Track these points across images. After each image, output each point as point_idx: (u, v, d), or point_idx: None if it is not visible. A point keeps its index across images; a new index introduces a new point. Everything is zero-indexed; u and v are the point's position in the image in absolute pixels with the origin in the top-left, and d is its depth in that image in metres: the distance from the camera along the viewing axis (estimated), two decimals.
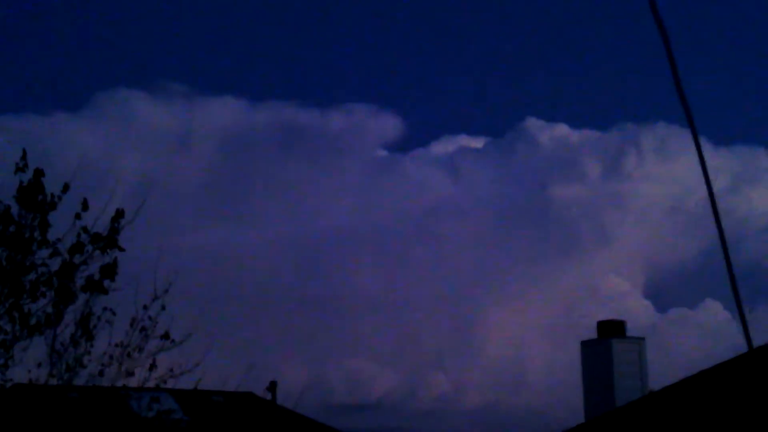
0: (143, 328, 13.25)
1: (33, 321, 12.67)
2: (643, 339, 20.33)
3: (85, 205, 12.79)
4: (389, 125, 66.77)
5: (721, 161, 54.10)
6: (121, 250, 13.00)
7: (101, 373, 13.12)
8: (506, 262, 56.53)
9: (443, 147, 61.84)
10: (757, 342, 14.32)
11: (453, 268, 56.70)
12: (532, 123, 58.11)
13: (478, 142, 61.72)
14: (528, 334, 54.22)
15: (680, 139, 54.00)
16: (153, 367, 13.44)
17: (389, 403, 49.69)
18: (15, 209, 12.57)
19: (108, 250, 12.91)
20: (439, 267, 57.21)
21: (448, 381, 53.47)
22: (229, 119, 58.75)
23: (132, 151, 50.55)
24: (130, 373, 13.33)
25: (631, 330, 20.32)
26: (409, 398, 51.16)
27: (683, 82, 3.70)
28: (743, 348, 14.47)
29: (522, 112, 68.24)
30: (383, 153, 62.64)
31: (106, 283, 12.92)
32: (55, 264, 12.71)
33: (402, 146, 69.72)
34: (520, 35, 62.99)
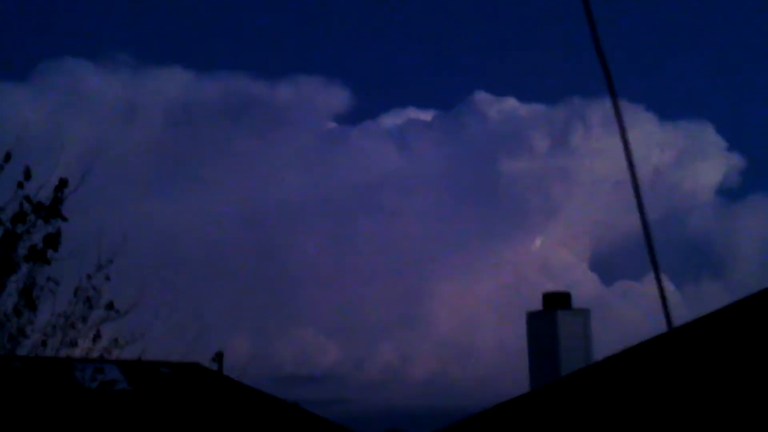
0: (87, 299, 13.23)
1: None
2: (588, 311, 20.46)
3: (27, 174, 12.70)
4: (338, 97, 66.49)
5: (668, 136, 54.67)
6: (65, 219, 12.93)
7: (44, 343, 13.09)
8: (454, 235, 56.74)
9: (392, 119, 61.82)
10: (695, 313, 14.47)
11: (401, 241, 56.80)
12: (481, 96, 58.26)
13: (427, 115, 61.76)
14: (475, 306, 54.47)
15: (627, 113, 54.17)
16: (97, 337, 13.43)
17: (336, 375, 49.88)
18: None
19: (51, 220, 12.84)
20: (388, 240, 57.29)
21: (396, 352, 53.72)
22: (176, 90, 58.33)
23: (77, 121, 50.00)
24: (73, 344, 13.31)
25: (577, 302, 20.48)
26: (356, 370, 51.37)
27: (606, 49, 3.74)
28: (686, 319, 14.69)
29: (471, 86, 68.42)
30: (332, 125, 62.51)
31: (49, 253, 12.86)
32: None
33: (351, 118, 69.61)
34: (469, 8, 62.99)
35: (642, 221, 3.44)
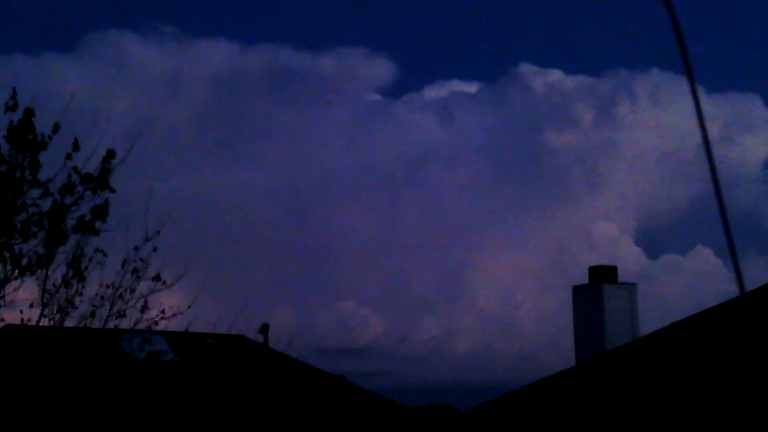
0: (135, 270, 13.29)
1: (24, 261, 12.68)
2: (634, 285, 20.37)
3: (76, 146, 12.76)
4: (382, 69, 66.67)
5: (714, 108, 54.09)
6: (112, 191, 12.98)
7: (93, 314, 13.17)
8: (498, 208, 56.54)
9: (436, 92, 61.87)
10: (747, 287, 14.33)
11: (444, 213, 56.80)
12: (526, 68, 58.07)
13: (471, 87, 61.80)
14: (519, 280, 54.39)
15: (674, 85, 53.91)
16: (145, 308, 13.49)
17: (379, 348, 49.99)
18: (5, 149, 12.55)
19: (99, 191, 12.90)
20: (430, 212, 57.32)
21: (439, 326, 53.76)
22: (220, 62, 58.50)
23: (123, 93, 50.22)
24: (121, 315, 13.38)
25: (623, 276, 20.40)
26: (399, 343, 51.46)
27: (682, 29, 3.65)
28: (733, 294, 14.56)
29: (516, 58, 68.30)
30: (375, 97, 62.57)
31: (98, 224, 12.92)
32: (46, 204, 12.70)
33: (394, 90, 69.49)
34: None
35: (717, 197, 3.36)
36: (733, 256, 3.52)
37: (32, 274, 12.75)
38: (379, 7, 64.87)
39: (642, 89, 55.93)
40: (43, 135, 12.62)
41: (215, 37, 65.12)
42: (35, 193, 12.67)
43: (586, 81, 60.09)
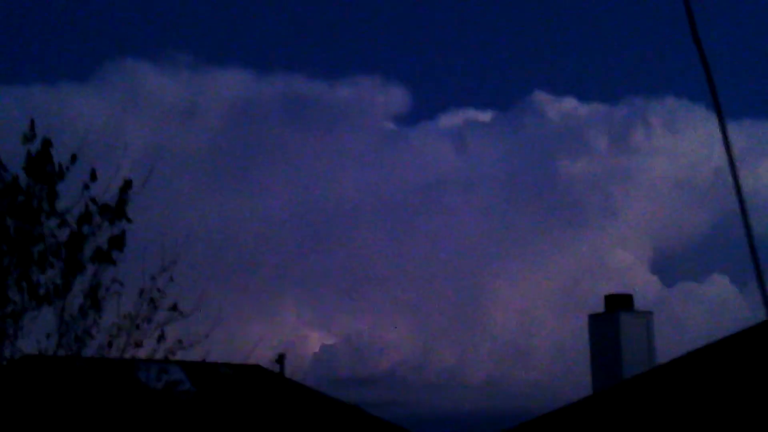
0: (152, 300, 13.27)
1: (42, 291, 12.70)
2: (651, 313, 20.32)
3: (93, 176, 12.80)
4: (396, 97, 66.54)
5: (731, 135, 53.83)
6: (129, 221, 13.02)
7: (110, 344, 13.16)
8: (513, 236, 56.44)
9: (450, 120, 61.83)
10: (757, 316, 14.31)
11: (459, 240, 56.70)
12: (540, 96, 57.99)
13: (485, 116, 61.75)
14: (534, 308, 54.18)
15: (688, 113, 53.94)
16: (161, 338, 13.47)
17: (395, 377, 49.84)
18: (23, 179, 12.60)
19: (116, 221, 12.94)
20: (445, 239, 57.18)
21: (454, 354, 53.61)
22: (235, 90, 58.66)
23: (139, 122, 50.39)
24: (138, 345, 13.37)
25: (639, 304, 20.36)
26: (415, 372, 51.27)
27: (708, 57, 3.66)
28: (749, 322, 14.52)
29: (530, 86, 68.23)
30: (390, 125, 62.61)
31: (115, 254, 12.95)
32: (64, 234, 12.74)
33: (409, 118, 69.43)
34: (527, 7, 62.77)
35: (744, 223, 3.36)
36: (759, 279, 3.53)
37: (50, 304, 12.77)
38: (393, 35, 65.07)
39: (657, 116, 55.91)
40: (60, 165, 12.68)
41: (230, 66, 65.34)
42: (53, 223, 12.71)
43: (600, 108, 60.03)
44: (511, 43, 64.45)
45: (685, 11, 3.46)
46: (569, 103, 57.77)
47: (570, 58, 64.14)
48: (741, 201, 3.47)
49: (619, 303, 19.92)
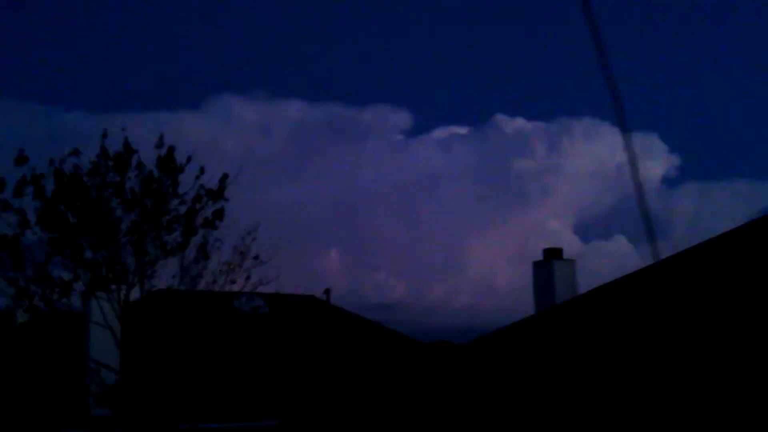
0: (241, 252, 13.33)
1: (169, 247, 12.77)
2: (574, 261, 20.16)
3: (202, 170, 12.86)
4: (403, 118, 66.67)
5: (631, 141, 53.34)
6: (226, 200, 13.05)
7: (214, 282, 13.22)
8: (482, 212, 56.43)
9: (440, 133, 61.49)
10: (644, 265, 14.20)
11: (446, 215, 56.69)
12: (500, 117, 57.79)
13: (463, 130, 61.32)
14: (497, 259, 54.24)
15: (599, 127, 53.75)
16: (248, 278, 13.53)
17: (403, 304, 49.95)
18: (156, 173, 12.65)
19: (217, 200, 12.98)
20: (437, 214, 57.13)
21: (442, 289, 53.72)
22: (295, 114, 58.62)
23: (232, 136, 50.48)
24: (233, 282, 13.42)
25: (566, 255, 20.19)
26: (416, 301, 51.35)
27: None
28: (640, 266, 14.50)
29: (493, 109, 67.75)
30: (399, 137, 62.28)
31: (217, 222, 13.00)
32: (183, 209, 12.80)
33: (412, 132, 68.99)
34: (494, 56, 62.33)
35: (639, 200, 3.36)
36: (650, 234, 3.51)
37: (174, 255, 12.84)
38: (401, 77, 64.68)
39: (578, 130, 55.64)
40: (180, 164, 12.72)
41: (291, 97, 65.08)
42: (176, 202, 12.77)
43: (540, 125, 59.70)
44: (480, 81, 64.00)
45: (595, 47, 3.44)
46: (520, 121, 57.50)
47: (520, 90, 63.72)
48: (639, 185, 3.46)
49: (552, 254, 19.78)
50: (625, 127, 3.76)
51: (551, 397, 11.41)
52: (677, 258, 13.49)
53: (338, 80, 62.06)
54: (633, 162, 3.59)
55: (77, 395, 14.89)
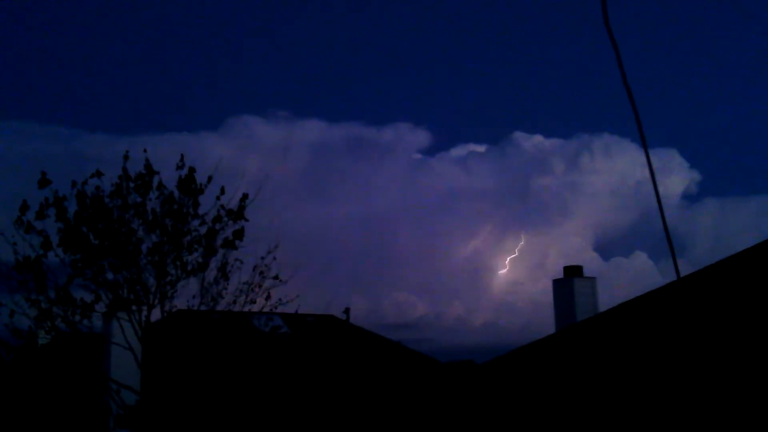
0: (261, 272, 13.32)
1: (189, 267, 12.79)
2: (594, 278, 20.14)
3: (222, 191, 12.90)
4: (421, 137, 66.91)
5: (644, 158, 53.17)
6: (246, 220, 13.08)
7: (234, 302, 13.21)
8: (501, 229, 56.28)
9: (458, 151, 61.67)
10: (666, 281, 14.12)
11: (466, 232, 56.62)
12: (518, 134, 57.79)
13: (481, 148, 61.43)
14: (517, 276, 54.02)
15: (618, 145, 53.68)
16: (268, 297, 13.51)
17: (423, 323, 49.80)
18: (176, 194, 12.71)
19: (238, 220, 13.02)
20: (457, 231, 57.10)
21: (463, 307, 53.53)
22: (315, 134, 58.90)
23: (252, 156, 50.78)
24: (252, 302, 13.38)
25: (586, 272, 20.16)
26: (435, 319, 51.22)
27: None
28: (661, 283, 14.41)
29: (511, 127, 67.80)
30: (418, 155, 62.50)
31: (237, 242, 13.02)
32: (203, 230, 12.84)
33: (430, 151, 69.05)
34: (512, 73, 62.44)
35: (663, 223, 3.37)
36: (672, 252, 3.51)
37: (194, 275, 12.85)
38: (419, 96, 64.88)
39: (597, 147, 55.49)
40: (201, 184, 12.78)
41: (311, 117, 65.40)
42: (196, 222, 12.81)
43: (559, 142, 59.62)
44: (499, 99, 64.13)
45: (618, 65, 3.47)
46: (538, 139, 57.46)
47: (538, 108, 63.75)
48: (659, 200, 3.47)
49: (573, 272, 19.77)
50: (646, 144, 3.77)
51: (574, 416, 11.34)
52: (699, 275, 13.42)
53: (357, 100, 62.42)
54: (653, 176, 3.60)
55: (98, 416, 14.95)
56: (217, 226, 12.81)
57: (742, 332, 10.84)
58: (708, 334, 11.38)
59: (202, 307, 13.04)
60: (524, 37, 60.43)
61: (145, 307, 12.66)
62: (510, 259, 55.01)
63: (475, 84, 62.94)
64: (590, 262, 46.29)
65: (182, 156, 12.71)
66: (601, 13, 3.42)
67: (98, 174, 12.38)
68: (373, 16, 59.34)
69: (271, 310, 13.85)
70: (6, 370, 16.27)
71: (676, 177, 54.06)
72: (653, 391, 10.62)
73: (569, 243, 51.02)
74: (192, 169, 12.69)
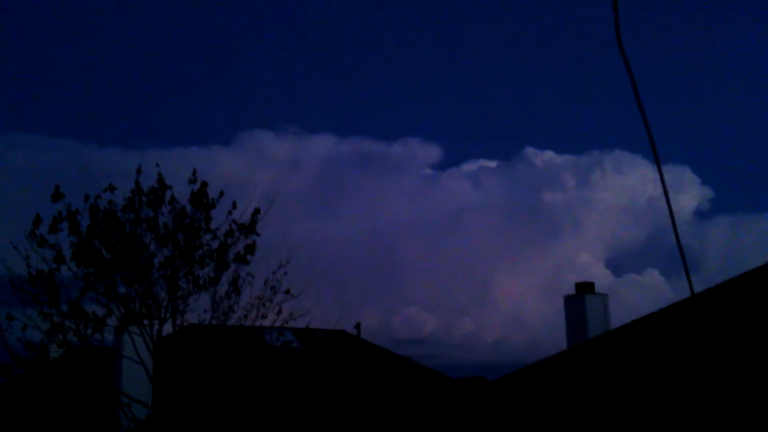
0: (273, 287, 13.33)
1: (201, 282, 12.81)
2: (606, 295, 20.01)
3: (234, 205, 12.95)
4: (432, 152, 66.95)
5: (657, 175, 53.19)
6: (258, 235, 13.11)
7: (245, 317, 13.22)
8: (511, 244, 56.20)
9: (469, 166, 61.62)
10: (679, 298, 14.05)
11: (476, 248, 56.54)
12: (529, 150, 57.73)
13: (492, 163, 61.39)
14: (527, 292, 53.87)
15: (630, 161, 53.64)
16: (279, 312, 13.51)
17: (433, 338, 49.69)
18: (189, 208, 12.76)
19: (249, 235, 13.04)
20: (467, 247, 56.99)
21: (473, 323, 53.37)
22: (325, 149, 59.08)
23: (263, 171, 50.99)
24: (264, 317, 13.40)
25: (598, 289, 20.06)
26: (445, 335, 51.09)
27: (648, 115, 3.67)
28: (673, 300, 14.35)
29: (522, 143, 67.77)
30: (428, 171, 62.49)
31: (248, 257, 13.04)
32: (215, 244, 12.87)
33: (441, 166, 69.07)
34: (524, 88, 62.48)
35: (676, 238, 3.36)
36: (685, 267, 3.51)
37: (206, 290, 12.87)
38: (430, 111, 64.99)
39: (608, 163, 55.44)
40: (213, 199, 12.83)
41: (321, 132, 65.61)
42: (208, 237, 12.85)
43: (570, 158, 59.55)
44: (510, 115, 64.17)
45: (630, 83, 3.47)
46: (549, 154, 57.40)
47: (550, 123, 63.74)
48: (672, 216, 3.46)
49: (584, 288, 19.67)
50: (658, 160, 3.77)
51: None
52: (711, 292, 13.35)
53: (368, 115, 62.58)
54: (666, 193, 3.59)
55: (109, 430, 14.95)
56: (229, 241, 12.84)
57: (755, 350, 10.77)
58: (721, 352, 11.31)
59: (214, 322, 13.06)
60: (536, 53, 60.54)
61: (156, 321, 12.69)
62: (521, 275, 54.85)
63: (486, 99, 63.05)
64: (602, 278, 46.05)
65: (194, 170, 12.77)
66: (614, 30, 3.42)
67: (111, 188, 12.45)
68: (383, 31, 59.60)
69: (282, 324, 13.86)
70: (18, 383, 16.31)
71: (689, 194, 53.88)
72: (665, 409, 10.54)
73: (580, 259, 50.87)
74: (204, 184, 12.74)
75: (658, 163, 3.74)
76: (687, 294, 14.30)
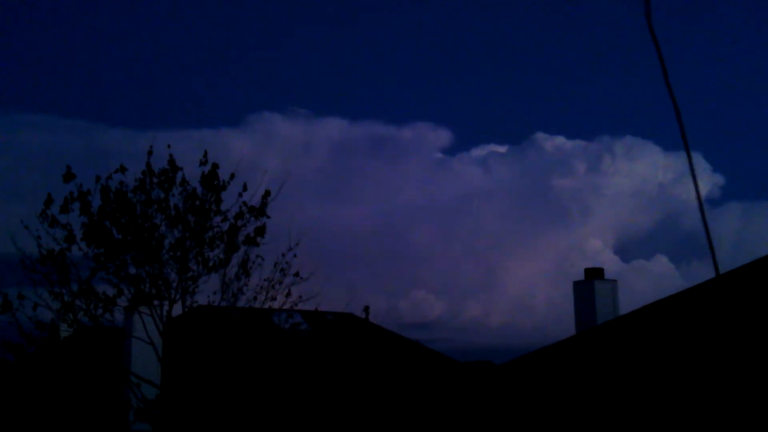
0: (282, 269, 13.36)
1: (211, 263, 12.85)
2: (615, 281, 20.02)
3: (244, 188, 12.96)
4: (443, 136, 66.62)
5: (669, 161, 53.18)
6: (268, 217, 13.14)
7: (255, 299, 13.24)
8: (521, 229, 56.14)
9: (479, 151, 61.36)
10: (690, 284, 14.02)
11: (483, 232, 56.53)
12: (540, 135, 57.50)
13: (502, 148, 61.14)
14: (536, 278, 53.84)
15: (641, 147, 53.42)
16: (288, 295, 13.54)
17: (440, 322, 49.80)
18: (199, 190, 12.78)
19: (259, 217, 13.07)
20: (476, 231, 56.96)
21: (480, 307, 53.43)
22: (335, 132, 58.96)
23: (273, 154, 51.00)
24: (273, 299, 13.42)
25: (607, 275, 20.04)
26: (453, 319, 51.16)
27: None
28: (680, 287, 14.30)
29: (533, 128, 67.47)
30: (439, 155, 62.29)
31: (258, 239, 13.07)
32: (225, 226, 12.90)
33: (451, 150, 68.90)
34: (534, 74, 62.22)
35: (704, 220, 3.34)
36: (711, 250, 3.46)
37: (216, 272, 12.91)
38: (441, 94, 64.80)
39: (619, 148, 55.18)
40: (223, 181, 12.84)
41: (332, 116, 65.51)
42: (218, 219, 12.88)
43: (581, 143, 59.32)
44: (520, 99, 63.91)
45: (658, 60, 3.43)
46: (560, 140, 57.15)
47: (560, 108, 63.48)
48: (699, 200, 3.44)
49: (594, 274, 19.67)
50: (687, 144, 3.73)
51: (593, 419, 11.30)
52: (720, 279, 13.33)
53: (378, 98, 62.45)
54: (695, 181, 3.56)
55: (118, 409, 15.06)
56: (239, 223, 12.86)
57: (763, 337, 10.75)
58: (729, 338, 11.30)
59: (223, 303, 13.11)
60: (547, 38, 60.23)
61: (166, 302, 12.74)
62: (530, 261, 54.86)
63: (497, 84, 62.81)
64: (611, 264, 46.05)
65: (206, 152, 12.79)
66: (644, 12, 3.37)
67: (122, 169, 12.48)
68: (395, 15, 59.33)
69: (291, 307, 13.89)
70: (28, 362, 16.44)
71: (700, 181, 53.43)
72: (673, 395, 10.55)
73: (590, 245, 50.79)
74: (215, 165, 12.75)
75: (687, 148, 3.70)
76: (696, 281, 14.29)
